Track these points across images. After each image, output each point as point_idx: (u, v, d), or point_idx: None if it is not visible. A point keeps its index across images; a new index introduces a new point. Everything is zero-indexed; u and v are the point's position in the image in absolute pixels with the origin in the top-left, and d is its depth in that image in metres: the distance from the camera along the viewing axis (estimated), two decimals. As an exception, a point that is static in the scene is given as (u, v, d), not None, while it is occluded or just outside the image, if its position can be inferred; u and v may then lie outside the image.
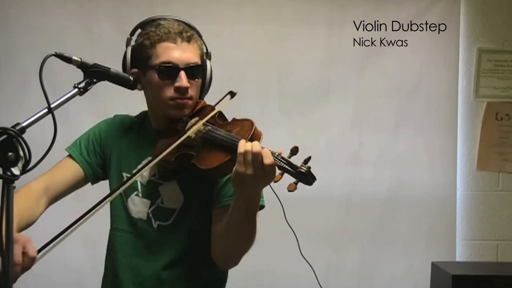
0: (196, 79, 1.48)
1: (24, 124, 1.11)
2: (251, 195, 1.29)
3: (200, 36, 1.54)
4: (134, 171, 1.49)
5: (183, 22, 1.51)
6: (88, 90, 1.29)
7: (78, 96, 1.27)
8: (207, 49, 1.56)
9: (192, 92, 1.47)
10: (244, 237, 1.37)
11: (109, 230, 1.60)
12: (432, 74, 2.80)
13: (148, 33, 1.47)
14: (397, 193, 2.78)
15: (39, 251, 1.27)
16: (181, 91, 1.44)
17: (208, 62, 1.54)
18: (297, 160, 1.24)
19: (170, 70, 1.44)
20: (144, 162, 1.50)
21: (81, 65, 1.28)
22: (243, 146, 1.24)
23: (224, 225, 1.38)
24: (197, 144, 1.41)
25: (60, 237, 1.31)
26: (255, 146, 1.23)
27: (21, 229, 1.38)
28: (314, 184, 1.24)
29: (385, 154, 2.79)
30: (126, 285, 1.51)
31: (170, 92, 1.45)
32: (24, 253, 1.22)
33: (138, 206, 1.53)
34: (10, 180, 1.05)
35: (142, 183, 1.53)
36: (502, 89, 2.85)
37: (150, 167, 1.45)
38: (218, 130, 1.39)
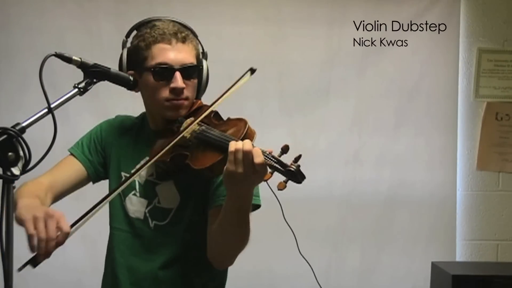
0: (192, 80, 1.49)
1: (24, 124, 1.12)
2: (243, 194, 1.29)
3: (196, 36, 1.54)
4: (132, 171, 1.49)
5: (178, 22, 1.51)
6: (88, 90, 1.29)
7: (78, 96, 1.28)
8: (203, 49, 1.56)
9: (187, 93, 1.47)
10: (238, 237, 1.37)
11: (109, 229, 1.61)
12: (432, 74, 2.80)
13: (143, 35, 1.47)
14: (397, 193, 2.79)
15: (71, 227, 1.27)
16: (177, 92, 1.45)
17: (204, 62, 1.54)
18: (288, 159, 1.24)
19: (165, 71, 1.44)
20: (142, 162, 1.51)
21: (81, 65, 1.28)
22: (234, 145, 1.25)
23: (217, 225, 1.38)
24: (192, 144, 1.41)
25: (89, 214, 1.33)
26: (246, 145, 1.24)
27: None
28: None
29: (385, 154, 2.79)
30: (124, 285, 1.52)
31: (165, 93, 1.45)
32: (58, 228, 1.23)
33: (135, 205, 1.53)
34: (10, 180, 1.05)
35: (140, 183, 1.54)
36: (502, 89, 2.85)
37: (148, 167, 1.46)
38: (212, 130, 1.40)
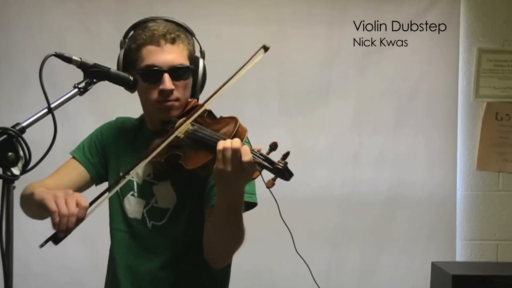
0: (183, 80, 1.48)
1: (24, 124, 1.12)
2: (233, 192, 1.30)
3: (193, 35, 1.53)
4: (123, 172, 1.50)
5: (174, 22, 1.50)
6: (88, 90, 1.29)
7: (78, 96, 1.28)
8: (201, 48, 1.56)
9: (178, 94, 1.47)
10: (231, 235, 1.37)
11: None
12: (432, 74, 2.80)
13: (135, 36, 1.48)
14: (397, 193, 2.79)
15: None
16: (165, 93, 1.44)
17: (201, 61, 1.53)
18: (278, 156, 1.24)
19: (153, 73, 1.44)
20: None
21: (81, 65, 1.29)
22: (222, 143, 1.25)
23: (210, 223, 1.39)
24: (185, 144, 1.41)
25: (106, 194, 1.40)
26: (234, 143, 1.24)
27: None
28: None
29: (385, 154, 2.79)
30: (124, 285, 1.52)
31: (155, 95, 1.45)
32: (78, 205, 1.27)
33: (133, 206, 1.54)
34: (10, 180, 1.05)
35: (138, 183, 1.54)
36: (502, 89, 2.85)
37: (145, 167, 1.47)
38: (204, 129, 1.40)
